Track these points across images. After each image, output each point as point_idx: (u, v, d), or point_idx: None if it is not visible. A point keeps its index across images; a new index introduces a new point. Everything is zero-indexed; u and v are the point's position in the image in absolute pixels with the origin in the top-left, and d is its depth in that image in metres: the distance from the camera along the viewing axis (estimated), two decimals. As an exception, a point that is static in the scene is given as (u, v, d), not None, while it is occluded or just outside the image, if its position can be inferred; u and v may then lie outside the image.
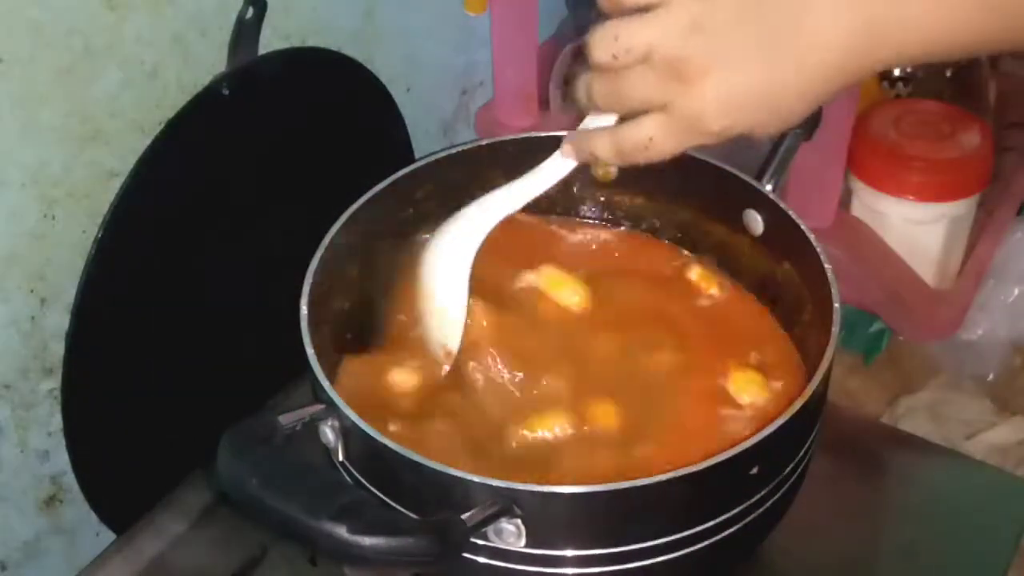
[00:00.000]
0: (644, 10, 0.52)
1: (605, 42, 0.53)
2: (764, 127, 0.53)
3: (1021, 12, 0.49)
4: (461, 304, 0.65)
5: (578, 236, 0.79)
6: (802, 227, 0.68)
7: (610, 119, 0.58)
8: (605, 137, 0.57)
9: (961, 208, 0.99)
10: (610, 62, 0.53)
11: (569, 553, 0.56)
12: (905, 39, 0.50)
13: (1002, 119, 1.09)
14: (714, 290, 0.74)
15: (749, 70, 0.51)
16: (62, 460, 0.75)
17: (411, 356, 0.69)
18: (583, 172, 0.76)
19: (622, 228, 0.79)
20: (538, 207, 0.77)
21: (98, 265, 0.71)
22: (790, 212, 0.69)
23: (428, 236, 0.68)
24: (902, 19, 0.49)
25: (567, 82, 1.02)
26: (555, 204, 0.79)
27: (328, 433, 0.59)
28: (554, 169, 0.63)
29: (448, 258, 0.66)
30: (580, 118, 0.61)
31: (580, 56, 0.56)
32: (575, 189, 0.78)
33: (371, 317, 0.72)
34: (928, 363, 1.01)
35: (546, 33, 1.08)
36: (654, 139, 0.54)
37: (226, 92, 0.75)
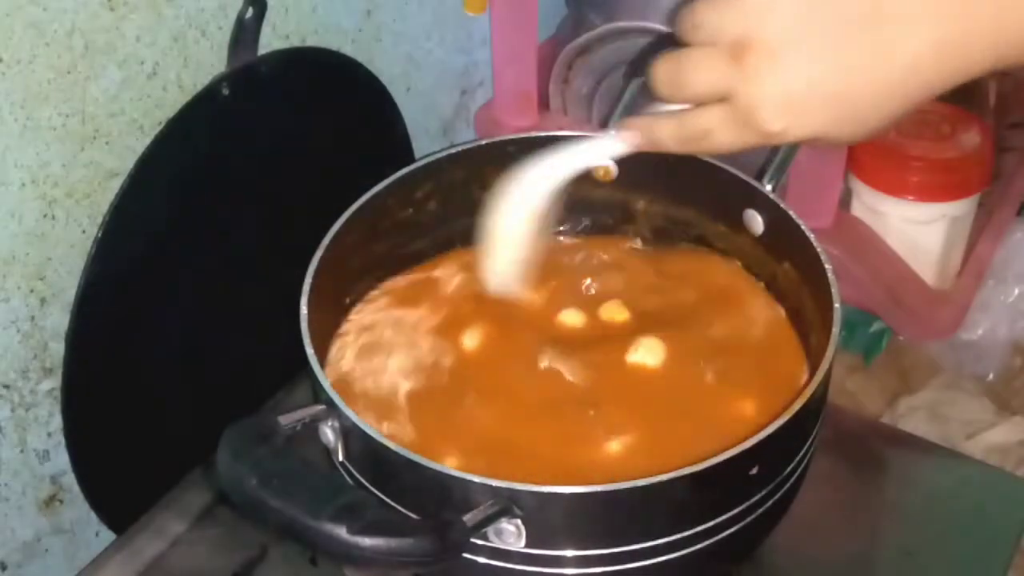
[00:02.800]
0: None
1: (684, 18, 0.50)
2: (829, 134, 0.49)
3: None
4: (523, 240, 0.64)
5: (577, 240, 0.79)
6: (802, 227, 0.68)
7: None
8: (670, 122, 0.54)
9: (961, 208, 0.99)
10: (686, 38, 0.50)
11: (569, 553, 0.56)
12: (993, 48, 0.46)
13: (1002, 119, 1.09)
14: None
15: (816, 66, 0.47)
16: (62, 460, 0.75)
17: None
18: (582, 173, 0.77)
19: (621, 230, 0.79)
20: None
21: (98, 265, 0.71)
22: (790, 212, 0.69)
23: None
24: (990, 25, 0.45)
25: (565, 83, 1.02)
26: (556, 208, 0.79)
27: (328, 433, 0.59)
28: (612, 148, 0.60)
29: (510, 204, 0.64)
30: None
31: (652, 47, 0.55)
32: (572, 192, 0.78)
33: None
34: (928, 363, 1.01)
35: (546, 33, 1.08)
36: (713, 131, 0.51)
37: (226, 92, 0.75)
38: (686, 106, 0.53)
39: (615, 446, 0.64)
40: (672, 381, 0.68)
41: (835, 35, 0.46)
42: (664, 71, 0.52)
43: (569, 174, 0.63)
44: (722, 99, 0.50)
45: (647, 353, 0.68)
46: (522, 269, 0.66)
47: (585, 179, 0.77)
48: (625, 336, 0.70)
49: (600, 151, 0.62)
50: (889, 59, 0.46)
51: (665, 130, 0.54)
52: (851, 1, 0.46)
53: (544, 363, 0.68)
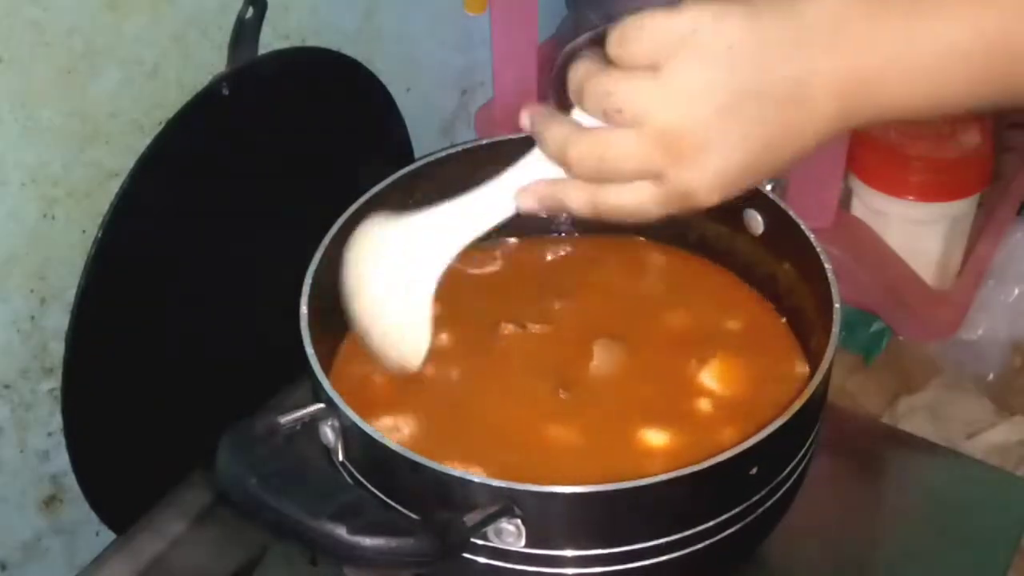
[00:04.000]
0: (644, 71, 0.48)
1: (596, 95, 0.49)
2: (745, 189, 0.52)
3: (1014, 81, 0.48)
4: (424, 321, 0.61)
5: (575, 240, 0.79)
6: (802, 227, 0.68)
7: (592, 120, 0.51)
8: (582, 191, 0.52)
9: (961, 208, 0.99)
10: (598, 116, 0.50)
11: (569, 553, 0.56)
12: (892, 105, 0.50)
13: (1002, 119, 1.09)
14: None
15: (748, 148, 0.49)
16: (62, 460, 0.75)
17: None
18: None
19: (623, 230, 0.79)
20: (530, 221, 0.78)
21: (98, 265, 0.71)
22: (790, 212, 0.69)
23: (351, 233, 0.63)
24: (890, 93, 0.49)
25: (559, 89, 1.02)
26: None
27: (328, 433, 0.59)
28: (502, 213, 0.56)
29: (401, 272, 0.61)
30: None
31: (559, 91, 0.52)
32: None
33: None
34: (928, 363, 1.01)
35: (546, 33, 1.08)
36: (641, 207, 0.51)
37: (226, 92, 0.75)
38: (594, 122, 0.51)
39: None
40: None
41: (763, 118, 0.49)
42: (587, 154, 0.51)
43: (462, 245, 0.59)
44: (652, 178, 0.50)
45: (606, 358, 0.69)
46: (421, 338, 0.63)
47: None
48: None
49: (491, 214, 0.57)
50: (809, 128, 0.49)
51: (576, 198, 0.53)
52: (778, 77, 0.48)
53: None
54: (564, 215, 0.61)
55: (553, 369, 0.69)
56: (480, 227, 0.58)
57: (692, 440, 0.64)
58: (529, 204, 0.55)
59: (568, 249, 0.79)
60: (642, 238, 0.78)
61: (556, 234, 0.79)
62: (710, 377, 0.67)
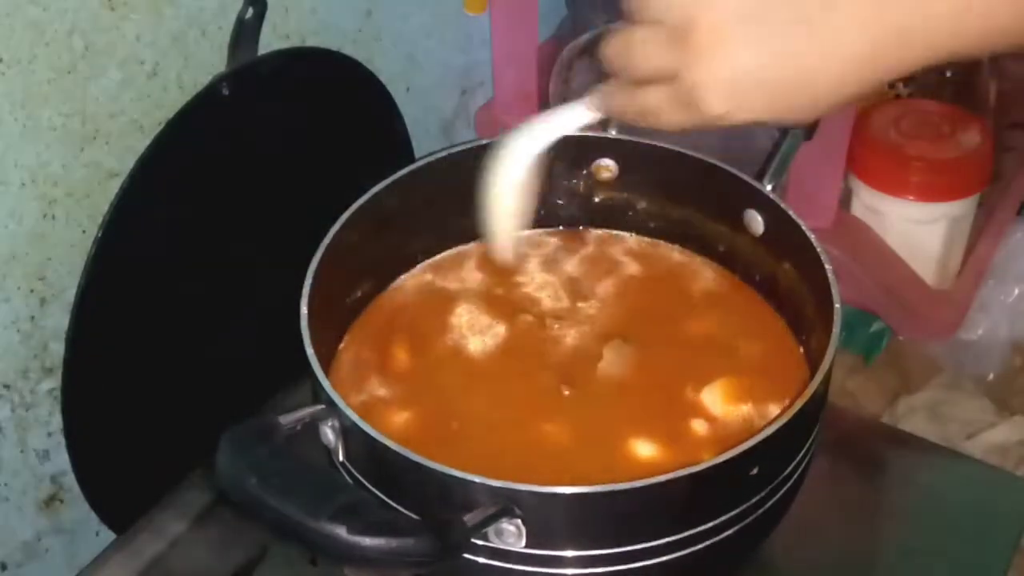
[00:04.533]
0: None
1: None
2: (772, 117, 0.49)
3: None
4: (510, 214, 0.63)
5: (575, 240, 0.79)
6: (802, 227, 0.68)
7: None
8: (624, 96, 0.53)
9: (961, 208, 0.99)
10: (634, 15, 0.49)
11: (569, 553, 0.56)
12: (927, 41, 0.46)
13: (1002, 119, 1.09)
14: None
15: (760, 52, 0.46)
16: (62, 460, 0.75)
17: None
18: (583, 173, 0.77)
19: (622, 231, 0.79)
20: (546, 216, 0.79)
21: (98, 265, 0.71)
22: (790, 212, 0.69)
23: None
24: (927, 19, 0.45)
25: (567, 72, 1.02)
26: (555, 210, 0.79)
27: (328, 433, 0.59)
28: (579, 116, 0.60)
29: (503, 167, 0.63)
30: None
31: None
32: (572, 191, 0.78)
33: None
34: (928, 363, 1.01)
35: (546, 33, 1.08)
36: (661, 109, 0.50)
37: (226, 92, 0.75)
38: None
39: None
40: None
41: (784, 20, 0.46)
42: (613, 49, 0.51)
43: (548, 141, 0.62)
44: (669, 79, 0.49)
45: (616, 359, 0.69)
46: (515, 237, 0.65)
47: (586, 179, 0.77)
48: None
49: (572, 119, 0.60)
50: (841, 47, 0.46)
51: (620, 102, 0.54)
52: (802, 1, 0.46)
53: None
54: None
55: (561, 365, 0.69)
56: (556, 131, 0.60)
57: (679, 456, 0.64)
58: (593, 106, 0.57)
59: (592, 248, 0.79)
60: (676, 246, 0.78)
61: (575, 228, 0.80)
62: (712, 398, 0.67)
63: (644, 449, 0.64)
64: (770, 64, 0.47)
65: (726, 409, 0.67)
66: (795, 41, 0.46)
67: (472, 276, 0.76)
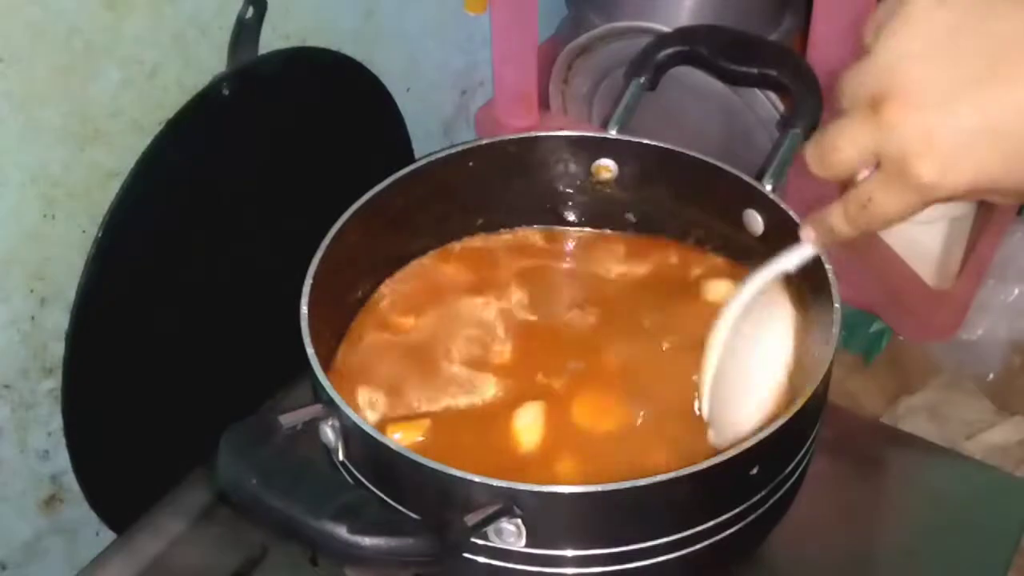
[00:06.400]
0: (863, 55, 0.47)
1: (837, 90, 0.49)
2: (996, 178, 0.45)
3: None
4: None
5: (575, 240, 0.79)
6: (802, 227, 0.68)
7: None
8: (837, 206, 0.52)
9: (961, 208, 0.99)
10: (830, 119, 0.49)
11: (569, 553, 0.56)
12: None
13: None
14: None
15: (964, 101, 0.44)
16: (62, 460, 0.75)
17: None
18: (583, 172, 0.77)
19: (624, 230, 0.79)
20: (546, 216, 0.79)
21: (98, 265, 0.71)
22: (790, 212, 0.69)
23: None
24: None
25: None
26: (557, 208, 0.79)
27: (328, 433, 0.59)
28: (801, 255, 0.61)
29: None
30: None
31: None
32: (572, 191, 0.78)
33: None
34: (928, 363, 1.01)
35: (546, 33, 1.08)
36: (873, 199, 0.49)
37: (226, 92, 0.75)
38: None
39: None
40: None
41: (976, 69, 0.44)
42: (813, 151, 0.51)
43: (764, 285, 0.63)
44: (876, 164, 0.48)
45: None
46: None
47: (587, 180, 0.77)
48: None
49: (791, 261, 0.61)
50: None
51: (835, 215, 0.53)
52: (1002, 23, 0.44)
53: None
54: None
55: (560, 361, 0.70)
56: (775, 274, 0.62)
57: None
58: (808, 235, 0.58)
59: (592, 247, 0.79)
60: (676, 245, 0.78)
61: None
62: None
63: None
64: (971, 114, 0.44)
65: None
66: (995, 88, 0.44)
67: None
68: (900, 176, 0.46)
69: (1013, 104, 0.44)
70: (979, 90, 0.44)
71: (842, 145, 0.49)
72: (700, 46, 0.73)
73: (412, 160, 0.80)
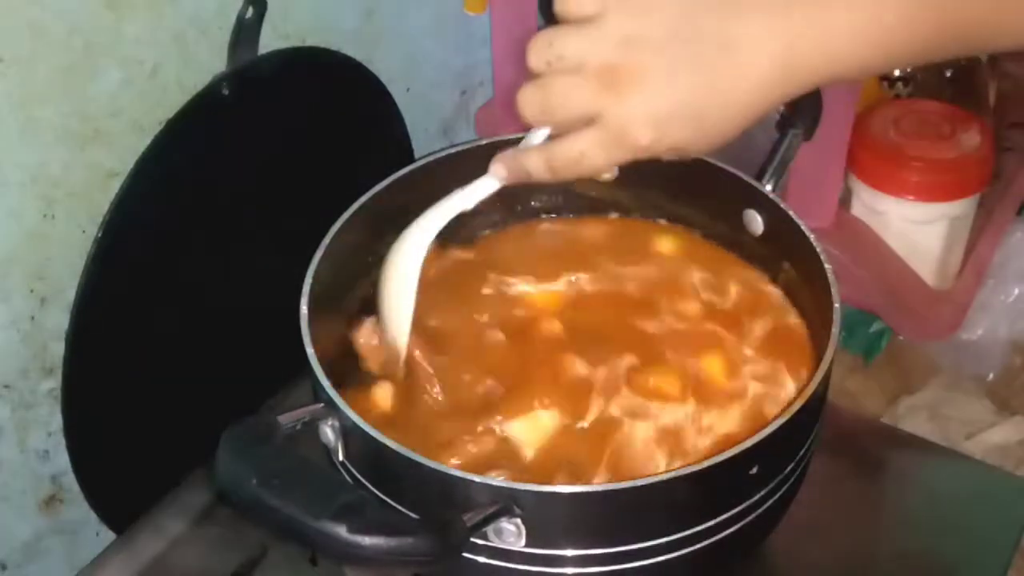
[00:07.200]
0: (584, 22, 0.52)
1: (539, 48, 0.53)
2: (691, 145, 0.54)
3: (955, 21, 0.51)
4: (408, 308, 0.65)
5: (575, 238, 0.79)
6: (802, 227, 0.68)
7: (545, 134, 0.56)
8: (537, 154, 0.56)
9: (961, 208, 0.99)
10: (543, 68, 0.53)
11: (569, 553, 0.56)
12: (824, 64, 0.52)
13: (1002, 119, 1.09)
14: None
15: (679, 86, 0.52)
16: (62, 460, 0.75)
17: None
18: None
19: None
20: (537, 208, 0.78)
21: (98, 265, 0.71)
22: (790, 212, 0.69)
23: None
24: (820, 45, 0.51)
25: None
26: (551, 204, 0.79)
27: (328, 433, 0.59)
28: (484, 187, 0.61)
29: (398, 265, 0.65)
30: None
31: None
32: (572, 191, 0.78)
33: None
34: (928, 363, 1.01)
35: (546, 33, 1.08)
36: (585, 153, 0.54)
37: (226, 92, 0.75)
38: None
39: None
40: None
41: (694, 60, 0.51)
42: (533, 97, 0.54)
43: (446, 221, 0.64)
44: (589, 122, 0.53)
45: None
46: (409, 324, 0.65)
47: (586, 179, 0.77)
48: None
49: (472, 195, 0.62)
50: (742, 80, 0.52)
51: (536, 162, 0.56)
52: (707, 28, 0.51)
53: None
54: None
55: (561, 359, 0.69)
56: (455, 210, 0.63)
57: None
58: (499, 172, 0.59)
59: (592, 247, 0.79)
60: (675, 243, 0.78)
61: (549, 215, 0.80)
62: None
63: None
64: (686, 98, 0.52)
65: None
66: (706, 76, 0.52)
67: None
68: (619, 139, 0.53)
69: (717, 91, 0.52)
70: (695, 76, 0.52)
71: (568, 106, 0.53)
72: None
73: (412, 160, 0.80)
